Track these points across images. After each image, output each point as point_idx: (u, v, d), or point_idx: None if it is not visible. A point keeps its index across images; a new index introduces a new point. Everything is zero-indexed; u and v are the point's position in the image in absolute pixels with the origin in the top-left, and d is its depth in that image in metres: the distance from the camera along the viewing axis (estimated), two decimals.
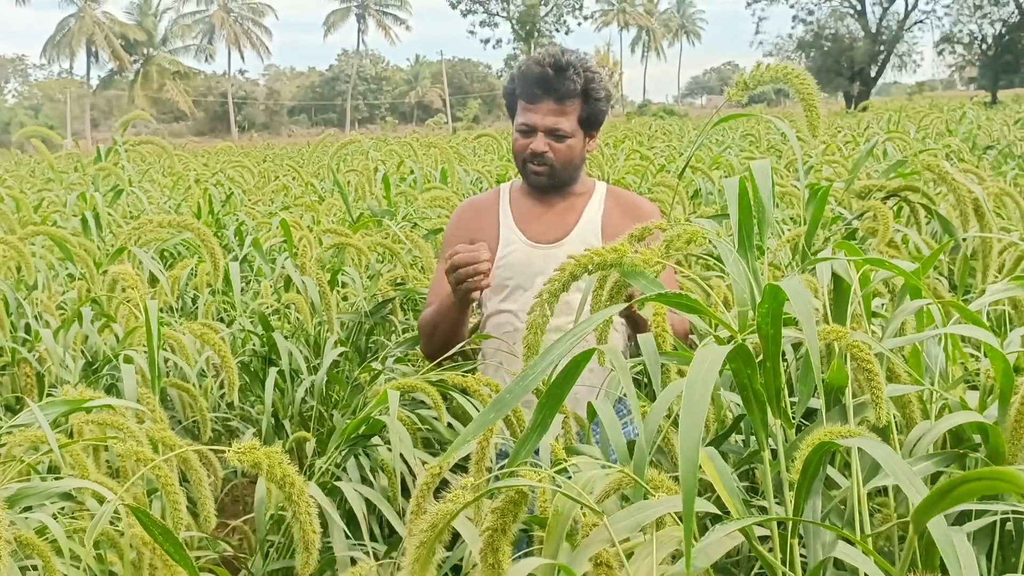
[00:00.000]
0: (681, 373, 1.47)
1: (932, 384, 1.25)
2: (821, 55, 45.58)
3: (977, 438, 1.24)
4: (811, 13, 47.44)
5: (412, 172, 4.23)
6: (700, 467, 0.98)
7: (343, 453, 1.77)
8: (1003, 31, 43.32)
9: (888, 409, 1.01)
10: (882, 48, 45.92)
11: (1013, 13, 43.03)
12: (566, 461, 1.33)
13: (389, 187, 3.56)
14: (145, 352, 1.88)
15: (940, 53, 46.26)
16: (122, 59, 59.13)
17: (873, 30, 45.52)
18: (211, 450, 1.56)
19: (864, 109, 13.91)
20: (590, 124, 2.12)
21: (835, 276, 1.26)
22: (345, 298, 2.85)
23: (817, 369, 0.99)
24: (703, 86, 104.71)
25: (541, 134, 2.05)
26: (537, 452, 1.99)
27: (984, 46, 44.05)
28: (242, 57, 71.17)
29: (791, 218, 3.08)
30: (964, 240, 1.92)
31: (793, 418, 1.21)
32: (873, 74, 46.01)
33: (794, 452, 1.04)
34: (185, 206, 5.29)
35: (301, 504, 1.07)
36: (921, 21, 46.40)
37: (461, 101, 77.35)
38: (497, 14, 61.00)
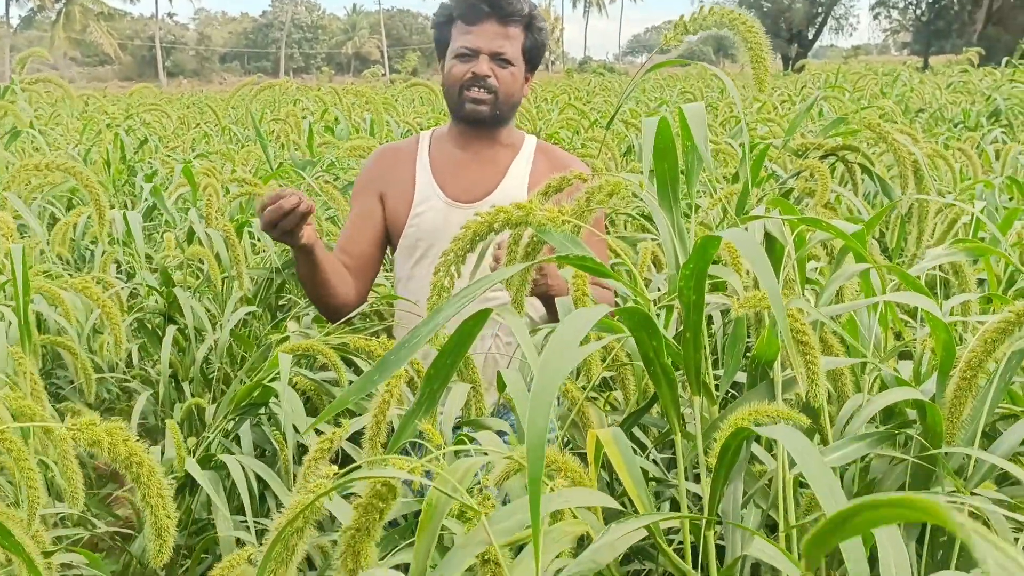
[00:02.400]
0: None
1: (866, 355, 1.15)
2: (759, 16, 45.53)
3: (912, 413, 1.16)
4: None
5: (338, 122, 4.01)
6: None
7: (233, 422, 1.62)
8: None
9: (823, 388, 0.90)
10: (820, 11, 46.33)
11: None
12: (467, 440, 1.20)
13: (312, 136, 3.35)
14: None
15: (876, 17, 46.87)
16: None
17: None
18: (45, 426, 1.38)
19: (801, 70, 13.95)
20: (531, 59, 1.96)
21: (768, 237, 1.15)
22: (257, 253, 2.67)
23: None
24: (644, 44, 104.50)
25: (484, 57, 1.88)
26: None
27: (918, 12, 44.75)
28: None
29: (724, 177, 2.98)
30: (900, 202, 1.83)
31: (718, 390, 1.11)
32: (811, 36, 46.44)
33: (714, 433, 0.93)
34: (97, 152, 4.99)
35: (152, 486, 0.93)
36: None
37: (400, 53, 75.89)
38: None
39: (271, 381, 1.53)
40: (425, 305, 1.90)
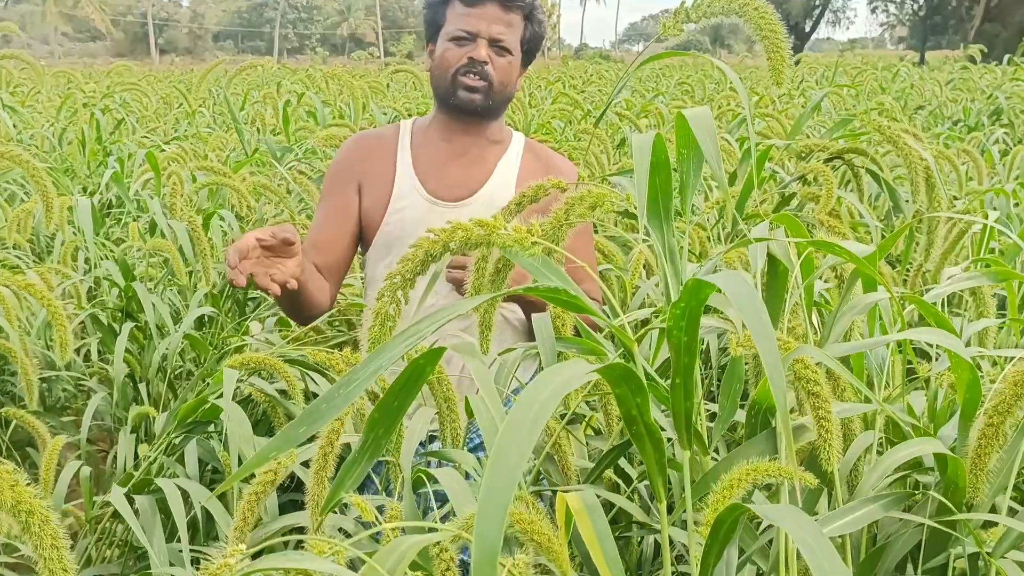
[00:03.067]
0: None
1: (876, 399, 1.02)
2: None
3: (929, 459, 1.03)
4: None
5: (315, 108, 3.85)
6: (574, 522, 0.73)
7: (178, 440, 1.48)
8: None
9: (837, 449, 0.77)
10: (817, 3, 46.14)
11: None
12: (425, 478, 1.07)
13: (288, 122, 3.20)
14: None
15: (873, 11, 46.71)
16: None
17: None
18: None
19: (798, 63, 13.81)
20: (527, 52, 1.82)
21: (771, 258, 1.02)
22: (227, 245, 2.52)
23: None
24: (640, 33, 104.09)
25: (483, 41, 1.73)
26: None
27: (915, 6, 44.60)
28: None
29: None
30: (911, 212, 1.70)
31: (711, 437, 0.97)
32: (808, 29, 46.27)
33: (705, 489, 0.80)
34: (74, 132, 4.81)
35: (45, 537, 0.79)
36: None
37: (395, 35, 75.34)
38: None
39: (218, 398, 1.39)
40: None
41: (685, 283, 0.66)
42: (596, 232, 2.74)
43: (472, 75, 1.74)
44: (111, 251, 2.64)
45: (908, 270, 1.84)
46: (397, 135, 1.85)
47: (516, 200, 1.08)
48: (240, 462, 1.38)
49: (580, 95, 6.09)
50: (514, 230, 0.79)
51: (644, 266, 2.48)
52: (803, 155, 1.89)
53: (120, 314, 2.35)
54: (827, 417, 0.76)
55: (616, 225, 2.76)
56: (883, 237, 2.60)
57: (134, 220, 2.74)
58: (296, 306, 1.68)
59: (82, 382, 2.46)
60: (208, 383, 1.77)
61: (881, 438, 1.09)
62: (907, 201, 1.96)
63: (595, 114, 4.13)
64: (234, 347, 1.90)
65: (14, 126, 4.74)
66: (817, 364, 0.78)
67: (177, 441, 1.56)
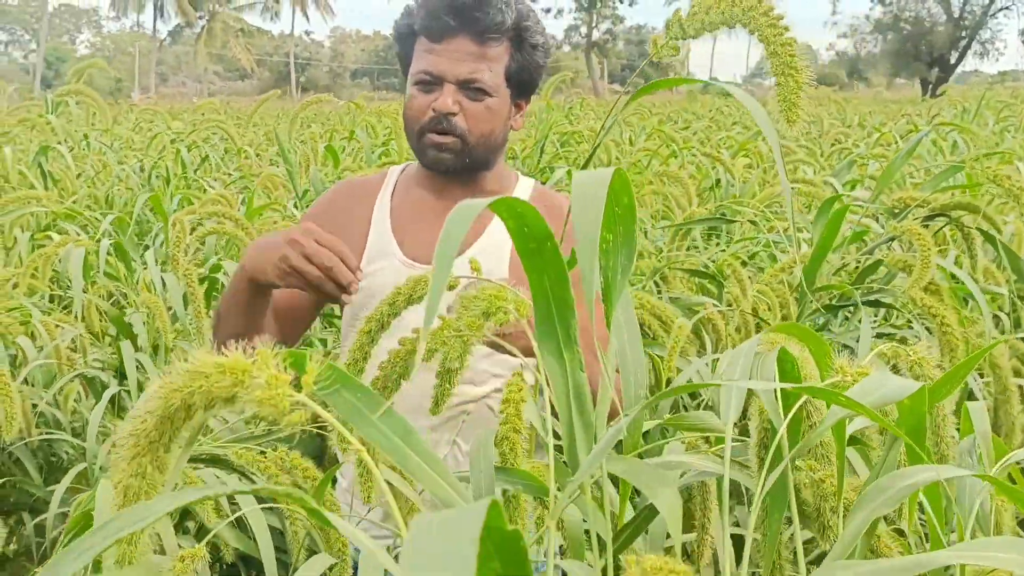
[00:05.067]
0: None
1: None
2: (899, 38, 43.80)
3: None
4: None
5: (385, 144, 3.63)
6: None
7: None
8: None
9: None
10: (964, 34, 43.90)
11: None
12: None
13: (337, 159, 2.97)
14: None
15: None
16: (188, 14, 59.37)
17: (956, 14, 43.51)
18: None
19: (941, 95, 12.90)
20: (520, 84, 1.47)
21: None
22: None
23: None
24: None
25: (451, 86, 1.40)
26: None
27: None
28: (306, 16, 70.79)
29: (798, 229, 2.38)
30: None
31: None
32: (953, 61, 44.04)
33: None
34: (165, 167, 4.78)
35: None
36: (1007, 8, 44.13)
37: None
38: None
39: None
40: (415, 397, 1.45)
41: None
42: (659, 292, 2.37)
43: (437, 130, 1.41)
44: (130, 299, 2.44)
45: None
46: (381, 184, 1.55)
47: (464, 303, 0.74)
48: None
49: (684, 131, 5.69)
50: (270, 380, 0.46)
51: (709, 332, 2.09)
52: (896, 211, 1.47)
53: (118, 374, 2.14)
54: None
55: (684, 284, 2.38)
56: (1014, 301, 2.10)
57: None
58: (243, 316, 1.37)
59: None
60: None
61: None
62: None
63: (685, 153, 3.74)
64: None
65: (119, 163, 4.75)
66: None
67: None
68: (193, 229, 2.05)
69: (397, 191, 1.53)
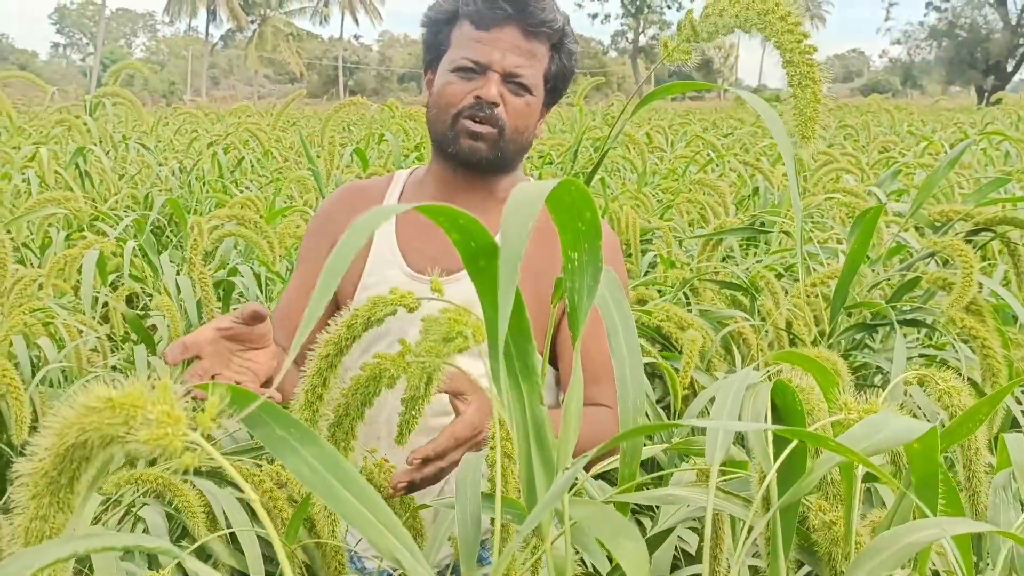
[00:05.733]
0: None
1: None
2: (954, 45, 42.90)
3: None
4: (946, 0, 44.63)
5: (418, 148, 3.58)
6: None
7: None
8: None
9: None
10: (1021, 41, 42.83)
11: None
12: None
13: (366, 161, 2.93)
14: None
15: None
16: (240, 18, 60.31)
17: (1013, 21, 42.47)
18: None
19: (997, 103, 12.56)
20: (553, 89, 1.42)
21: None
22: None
23: None
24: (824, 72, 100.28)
25: (495, 75, 1.34)
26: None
27: None
28: (355, 20, 71.48)
29: (838, 240, 2.27)
30: None
31: None
32: (1009, 68, 43.00)
33: None
34: (202, 168, 4.80)
35: None
36: None
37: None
38: None
39: None
40: (382, 425, 1.36)
41: None
42: (688, 305, 2.28)
43: (477, 118, 1.34)
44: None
45: None
46: (386, 189, 1.48)
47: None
48: None
49: (727, 137, 5.58)
50: (162, 417, 0.40)
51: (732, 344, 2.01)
52: (937, 225, 1.38)
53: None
54: None
55: (716, 296, 2.28)
56: None
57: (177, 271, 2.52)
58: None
59: None
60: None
61: None
62: None
63: (726, 161, 3.64)
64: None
65: (159, 164, 4.78)
66: None
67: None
68: (211, 232, 2.01)
69: (404, 196, 1.47)
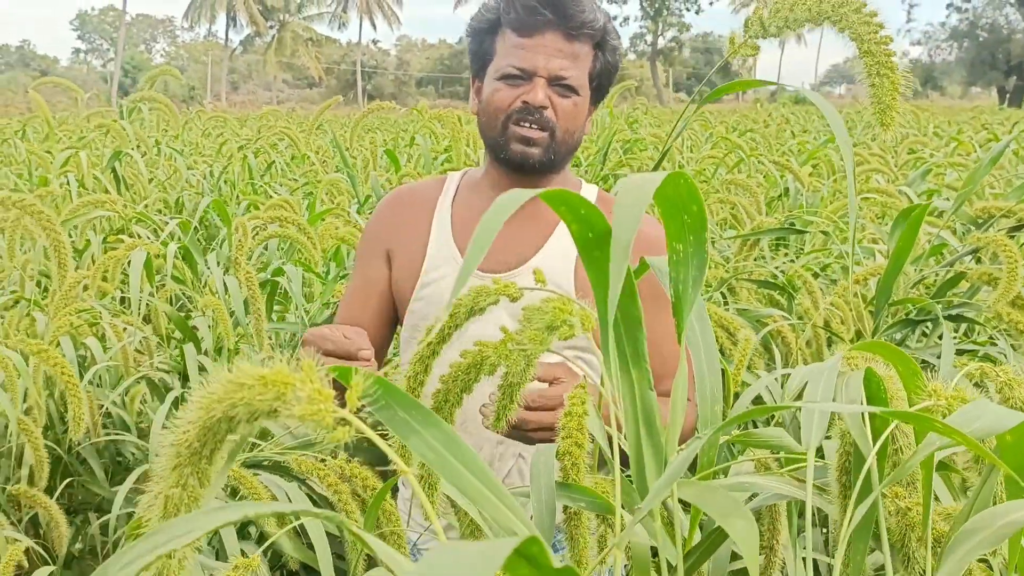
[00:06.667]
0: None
1: None
2: (975, 46, 42.60)
3: None
4: (967, 0, 44.29)
5: (447, 151, 3.62)
6: None
7: None
8: None
9: None
10: None
11: None
12: None
13: (397, 163, 2.96)
14: None
15: None
16: (259, 24, 60.70)
17: None
18: None
19: (1021, 105, 12.47)
20: (599, 87, 1.45)
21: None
22: (290, 305, 2.29)
23: None
24: (843, 74, 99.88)
25: (541, 80, 1.37)
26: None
27: None
28: (373, 26, 71.73)
29: (873, 240, 2.28)
30: None
31: None
32: None
33: None
34: (232, 173, 4.86)
35: None
36: None
37: None
38: None
39: None
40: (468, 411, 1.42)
41: None
42: (726, 303, 2.30)
43: (527, 123, 1.38)
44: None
45: None
46: (440, 190, 1.52)
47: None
48: None
49: (747, 134, 5.59)
50: (313, 395, 0.43)
51: (782, 345, 2.03)
52: (980, 221, 1.40)
53: (182, 378, 2.16)
54: None
55: (752, 296, 2.31)
56: None
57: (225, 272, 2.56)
58: None
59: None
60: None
61: None
62: None
63: (753, 161, 3.66)
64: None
65: (188, 168, 4.85)
66: None
67: None
68: (256, 233, 2.05)
69: (459, 197, 1.51)
